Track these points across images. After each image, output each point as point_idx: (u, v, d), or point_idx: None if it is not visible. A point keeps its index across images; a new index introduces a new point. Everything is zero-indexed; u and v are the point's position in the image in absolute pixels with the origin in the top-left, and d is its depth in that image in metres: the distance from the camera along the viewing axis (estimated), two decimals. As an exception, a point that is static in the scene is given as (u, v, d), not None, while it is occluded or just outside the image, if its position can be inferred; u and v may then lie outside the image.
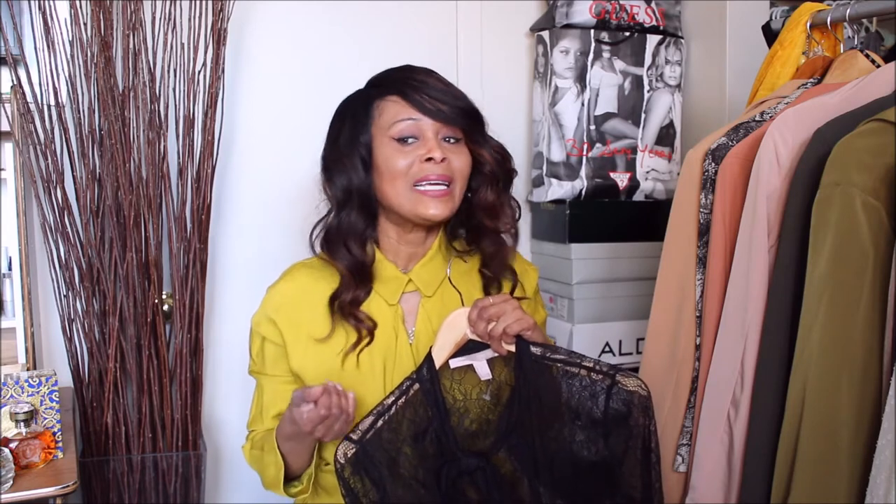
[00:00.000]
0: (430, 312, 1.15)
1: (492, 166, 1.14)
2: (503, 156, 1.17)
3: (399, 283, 1.15)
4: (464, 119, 1.11)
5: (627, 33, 1.80)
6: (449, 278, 1.17)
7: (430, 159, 1.08)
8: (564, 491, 1.00)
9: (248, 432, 1.20)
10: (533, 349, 1.01)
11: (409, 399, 1.02)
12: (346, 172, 1.12)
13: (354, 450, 1.00)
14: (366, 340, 1.11)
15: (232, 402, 1.78)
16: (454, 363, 1.04)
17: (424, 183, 1.09)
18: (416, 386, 1.03)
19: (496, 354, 1.04)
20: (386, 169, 1.10)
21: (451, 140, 1.11)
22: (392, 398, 1.02)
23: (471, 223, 1.18)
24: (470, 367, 1.04)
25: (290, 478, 1.14)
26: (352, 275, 1.12)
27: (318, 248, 1.16)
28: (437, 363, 1.03)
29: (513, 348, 1.02)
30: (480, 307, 1.02)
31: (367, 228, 1.14)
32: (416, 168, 1.09)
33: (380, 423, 1.01)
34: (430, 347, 1.04)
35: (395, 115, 1.10)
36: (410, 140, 1.09)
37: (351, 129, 1.13)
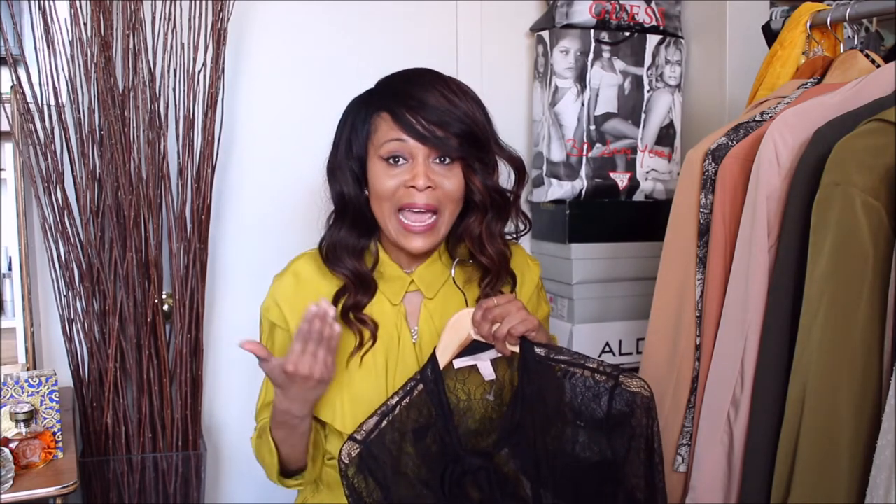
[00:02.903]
0: (433, 312, 1.15)
1: (482, 196, 1.10)
2: (500, 191, 1.12)
3: (402, 283, 1.15)
4: (459, 145, 1.06)
5: (627, 33, 1.80)
6: (453, 279, 1.17)
7: (413, 186, 1.06)
8: (566, 491, 1.00)
9: (256, 424, 1.20)
10: (537, 350, 1.01)
11: (413, 399, 1.02)
12: (339, 183, 1.12)
13: (359, 450, 1.00)
14: (368, 343, 1.11)
15: (232, 402, 1.78)
16: (458, 363, 1.04)
17: (407, 210, 1.07)
18: (421, 386, 1.03)
19: (500, 355, 1.04)
20: (373, 188, 1.09)
21: (445, 160, 1.08)
22: (396, 398, 1.02)
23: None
24: (474, 367, 1.04)
25: (290, 472, 1.14)
26: (352, 282, 1.12)
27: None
28: (441, 363, 1.03)
29: (517, 349, 1.02)
30: (485, 308, 1.01)
31: (360, 240, 1.13)
32: (402, 192, 1.07)
33: (384, 423, 1.01)
34: (434, 348, 1.04)
35: (385, 134, 1.07)
36: (400, 161, 1.07)
37: (348, 139, 1.12)
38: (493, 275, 1.15)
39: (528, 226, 1.19)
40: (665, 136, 1.84)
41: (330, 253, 1.13)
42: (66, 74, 1.52)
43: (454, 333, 1.04)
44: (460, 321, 1.04)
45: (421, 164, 1.06)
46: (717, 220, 1.07)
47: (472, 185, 1.09)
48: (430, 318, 1.14)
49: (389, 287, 1.14)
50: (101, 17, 1.51)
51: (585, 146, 1.78)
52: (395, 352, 1.13)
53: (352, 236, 1.12)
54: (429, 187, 1.06)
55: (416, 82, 1.09)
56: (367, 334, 1.11)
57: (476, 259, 1.15)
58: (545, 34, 1.80)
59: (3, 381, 1.32)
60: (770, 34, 1.39)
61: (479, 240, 1.13)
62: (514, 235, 1.20)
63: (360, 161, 1.11)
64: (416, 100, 1.06)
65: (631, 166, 1.82)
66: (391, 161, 1.07)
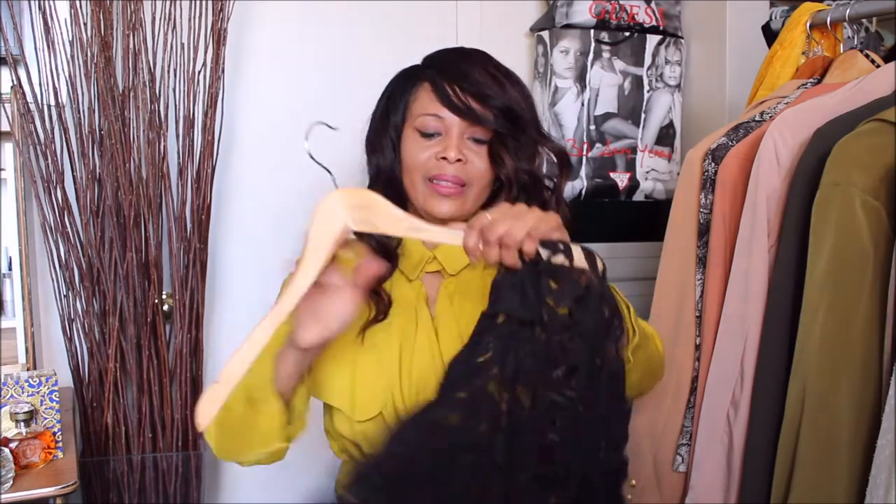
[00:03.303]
0: (452, 292, 1.13)
1: (509, 172, 1.07)
2: (530, 172, 1.08)
3: (422, 258, 1.13)
4: (496, 120, 1.05)
5: (627, 33, 1.80)
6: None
7: (444, 158, 1.05)
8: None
9: None
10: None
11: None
12: (375, 153, 1.12)
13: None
14: (380, 317, 1.09)
15: (232, 402, 1.78)
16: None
17: (437, 180, 1.06)
18: None
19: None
20: (405, 159, 1.09)
21: (480, 141, 1.07)
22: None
23: None
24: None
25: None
26: (377, 253, 1.11)
27: None
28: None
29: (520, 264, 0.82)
30: (479, 228, 0.85)
31: None
32: (432, 164, 1.06)
33: None
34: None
35: (422, 107, 1.07)
36: (434, 135, 1.07)
37: (386, 109, 1.12)
38: None
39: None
40: (665, 136, 1.84)
41: None
42: (66, 74, 1.52)
43: (325, 225, 0.82)
44: (330, 207, 0.82)
45: (455, 137, 1.06)
46: (717, 220, 1.07)
47: (501, 161, 1.06)
48: (448, 298, 1.11)
49: (408, 262, 1.12)
50: (101, 17, 1.51)
51: (585, 146, 1.78)
52: (413, 330, 1.11)
53: None
54: (459, 160, 1.05)
55: (466, 56, 1.10)
56: (380, 308, 1.09)
57: None
58: (545, 34, 1.80)
59: (3, 381, 1.32)
60: (770, 34, 1.39)
61: None
62: None
63: (396, 130, 1.11)
64: (461, 72, 1.06)
65: (631, 166, 1.82)
66: (425, 135, 1.07)
